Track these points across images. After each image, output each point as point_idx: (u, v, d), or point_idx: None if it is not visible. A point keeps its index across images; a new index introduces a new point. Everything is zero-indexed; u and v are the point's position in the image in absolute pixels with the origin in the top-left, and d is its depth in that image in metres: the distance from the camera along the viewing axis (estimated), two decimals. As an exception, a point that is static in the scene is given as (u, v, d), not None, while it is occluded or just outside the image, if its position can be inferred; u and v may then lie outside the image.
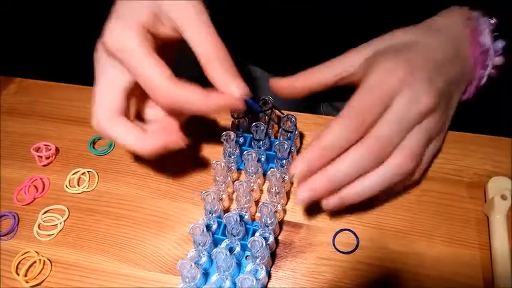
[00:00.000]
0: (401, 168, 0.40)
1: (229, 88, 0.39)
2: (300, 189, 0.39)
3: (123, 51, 0.39)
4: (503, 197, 0.43)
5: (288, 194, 0.48)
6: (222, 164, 0.45)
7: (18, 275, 0.45)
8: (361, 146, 0.39)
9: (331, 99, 0.79)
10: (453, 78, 0.45)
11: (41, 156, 0.53)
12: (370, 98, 0.40)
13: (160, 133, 0.42)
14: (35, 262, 0.46)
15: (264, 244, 0.40)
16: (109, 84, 0.42)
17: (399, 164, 0.40)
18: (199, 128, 0.54)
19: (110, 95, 0.42)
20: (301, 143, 0.52)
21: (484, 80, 0.48)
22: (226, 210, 0.48)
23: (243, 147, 0.49)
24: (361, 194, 0.40)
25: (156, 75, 0.39)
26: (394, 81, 0.40)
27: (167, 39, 0.42)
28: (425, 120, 0.41)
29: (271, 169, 0.48)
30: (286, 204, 0.48)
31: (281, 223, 0.47)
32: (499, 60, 0.47)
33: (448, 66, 0.44)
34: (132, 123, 0.42)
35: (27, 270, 0.46)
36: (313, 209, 0.47)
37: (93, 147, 0.54)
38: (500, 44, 0.46)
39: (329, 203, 0.41)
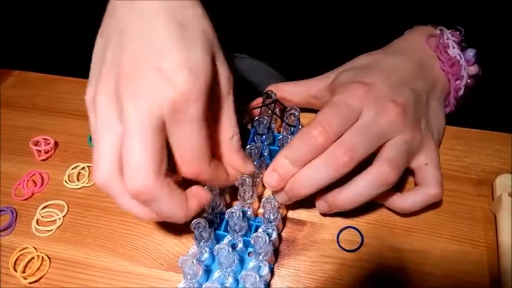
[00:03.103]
0: (381, 176, 0.39)
1: (246, 169, 0.41)
2: (275, 195, 0.42)
3: None
4: (511, 195, 0.43)
5: (291, 190, 0.47)
6: (225, 159, 0.45)
7: (16, 271, 0.44)
8: (325, 153, 0.39)
9: None
10: (419, 92, 0.45)
11: (40, 151, 0.52)
12: (334, 112, 0.40)
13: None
14: (33, 258, 0.45)
15: (268, 240, 0.39)
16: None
17: (380, 172, 0.39)
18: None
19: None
20: (304, 138, 0.52)
21: (461, 91, 0.49)
22: (229, 206, 0.47)
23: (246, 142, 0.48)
24: (351, 201, 0.40)
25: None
26: (356, 100, 0.41)
27: None
28: (399, 134, 0.41)
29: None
30: (289, 200, 0.47)
31: (284, 219, 0.46)
32: (474, 69, 0.48)
33: (410, 81, 0.45)
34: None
35: (26, 266, 0.45)
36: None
37: (93, 142, 0.53)
38: (471, 52, 0.47)
39: (319, 206, 0.43)
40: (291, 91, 0.50)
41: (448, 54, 0.48)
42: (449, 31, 0.48)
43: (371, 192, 0.40)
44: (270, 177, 0.40)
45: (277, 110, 0.49)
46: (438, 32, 0.49)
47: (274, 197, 0.42)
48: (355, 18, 0.61)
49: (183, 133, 0.33)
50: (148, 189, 0.32)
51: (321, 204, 0.42)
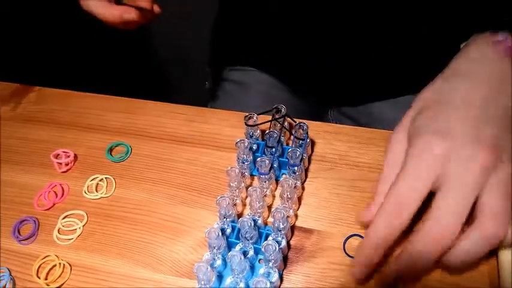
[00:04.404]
0: (487, 231, 0.38)
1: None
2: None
3: None
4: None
5: (299, 199, 0.50)
6: (236, 170, 0.47)
7: (39, 278, 0.47)
8: (422, 235, 0.38)
9: (339, 104, 0.80)
10: (503, 116, 0.42)
11: (61, 163, 0.55)
12: (408, 188, 0.39)
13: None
14: (55, 266, 0.47)
15: (277, 248, 0.41)
16: None
17: (484, 228, 0.38)
18: (213, 136, 0.56)
19: None
20: (312, 150, 0.54)
21: None
22: (240, 215, 0.49)
23: (256, 154, 0.51)
24: (465, 260, 0.39)
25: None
26: (431, 161, 0.39)
27: None
28: (492, 175, 0.38)
29: (284, 175, 0.49)
30: (297, 209, 0.49)
31: (292, 228, 0.48)
32: None
33: (491, 108, 0.41)
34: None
35: (48, 273, 0.47)
36: (323, 215, 0.48)
37: (111, 154, 0.56)
38: None
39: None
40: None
41: None
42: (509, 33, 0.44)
43: (482, 249, 0.38)
44: (358, 272, 0.42)
45: (286, 123, 0.51)
46: (501, 37, 0.44)
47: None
48: (358, 32, 0.63)
49: None
50: None
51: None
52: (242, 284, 0.42)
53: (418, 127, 0.43)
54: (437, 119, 0.42)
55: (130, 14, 0.51)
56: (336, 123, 0.77)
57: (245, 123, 0.51)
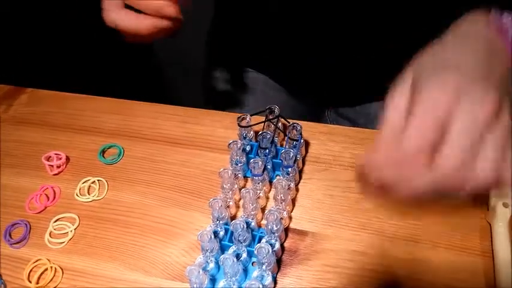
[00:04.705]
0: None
1: None
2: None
3: None
4: (505, 205, 0.44)
5: (293, 201, 0.49)
6: (229, 172, 0.46)
7: (30, 282, 0.46)
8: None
9: (336, 105, 0.80)
10: (502, 77, 0.42)
11: (52, 166, 0.54)
12: (427, 120, 0.37)
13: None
14: (46, 269, 0.47)
15: (271, 251, 0.41)
16: None
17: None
18: (206, 137, 0.55)
19: None
20: (306, 151, 0.53)
21: None
22: (233, 217, 0.49)
23: (250, 155, 0.50)
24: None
25: None
26: (448, 95, 0.38)
27: None
28: (496, 126, 0.38)
29: (278, 176, 0.49)
30: (291, 211, 0.49)
31: (286, 230, 0.47)
32: None
33: (492, 68, 0.42)
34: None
35: (39, 277, 0.47)
36: (317, 216, 0.48)
37: (103, 156, 0.56)
38: None
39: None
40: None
41: (509, 36, 0.44)
42: (506, 15, 0.45)
43: None
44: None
45: (280, 124, 0.51)
46: (496, 15, 0.45)
47: None
48: (356, 32, 0.62)
49: None
50: None
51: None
52: (235, 287, 0.41)
53: (424, 67, 0.42)
54: (446, 68, 0.41)
55: (163, 22, 0.48)
56: (334, 123, 0.77)
57: (238, 124, 0.50)
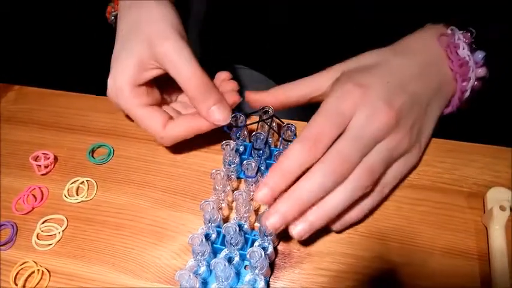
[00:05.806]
0: (358, 182, 0.40)
1: (210, 118, 0.46)
2: (268, 215, 0.39)
3: (120, 104, 0.48)
4: (502, 208, 0.43)
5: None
6: (222, 173, 0.45)
7: (16, 285, 0.45)
8: (321, 163, 0.40)
9: None
10: (421, 96, 0.45)
11: (40, 165, 0.53)
12: (325, 120, 0.41)
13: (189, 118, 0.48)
14: (33, 272, 0.46)
15: (263, 255, 0.40)
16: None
17: (356, 178, 0.40)
18: (198, 137, 0.54)
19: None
20: (300, 152, 0.52)
21: (467, 93, 0.48)
22: (226, 219, 0.48)
23: (243, 156, 0.49)
24: (329, 212, 0.40)
25: (149, 127, 0.48)
26: (349, 103, 0.42)
27: (157, 75, 0.48)
28: (386, 138, 0.42)
29: (271, 179, 0.48)
30: (285, 213, 0.48)
31: (280, 233, 0.46)
32: (481, 71, 0.47)
33: (413, 84, 0.45)
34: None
35: (26, 280, 0.45)
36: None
37: (92, 156, 0.54)
38: (480, 55, 0.47)
39: (297, 228, 0.40)
40: (291, 93, 0.51)
41: (458, 54, 0.47)
42: (461, 32, 0.48)
43: (351, 199, 0.41)
44: (261, 192, 0.40)
45: (274, 125, 0.50)
46: (450, 32, 0.48)
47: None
48: (355, 30, 0.62)
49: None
50: None
51: (299, 225, 0.40)
52: (227, 292, 0.40)
53: (342, 78, 0.46)
54: (361, 76, 0.44)
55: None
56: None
57: (231, 124, 0.49)
